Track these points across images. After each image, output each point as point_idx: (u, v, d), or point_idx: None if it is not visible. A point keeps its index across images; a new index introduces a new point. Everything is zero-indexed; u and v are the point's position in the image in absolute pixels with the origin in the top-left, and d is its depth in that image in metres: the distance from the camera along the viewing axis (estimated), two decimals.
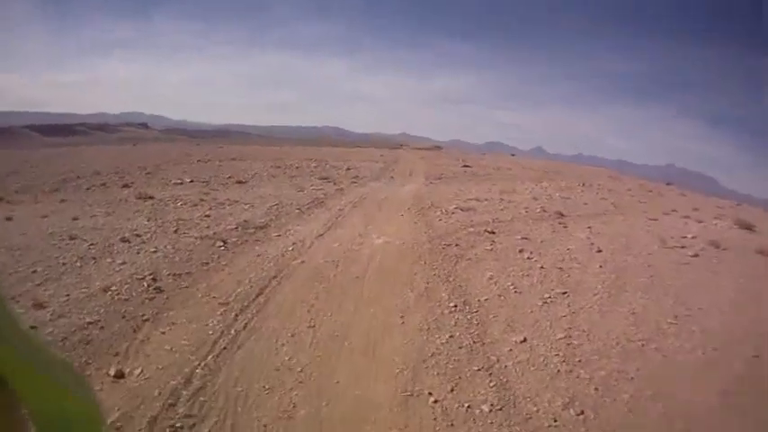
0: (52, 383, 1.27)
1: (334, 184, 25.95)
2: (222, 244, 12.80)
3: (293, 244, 13.31)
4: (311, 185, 24.54)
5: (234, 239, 13.38)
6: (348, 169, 32.97)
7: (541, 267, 12.20)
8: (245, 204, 18.46)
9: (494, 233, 15.42)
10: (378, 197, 22.01)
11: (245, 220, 15.54)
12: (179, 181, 24.35)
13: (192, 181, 24.53)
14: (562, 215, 19.15)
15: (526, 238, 15.03)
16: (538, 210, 19.83)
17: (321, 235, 14.48)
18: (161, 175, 26.53)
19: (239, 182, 25.00)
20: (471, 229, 15.73)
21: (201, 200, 18.95)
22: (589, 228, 17.00)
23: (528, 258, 12.96)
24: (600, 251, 13.82)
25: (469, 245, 13.97)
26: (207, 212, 16.63)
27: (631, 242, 15.08)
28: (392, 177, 30.71)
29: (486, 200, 21.89)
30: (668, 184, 40.81)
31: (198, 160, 33.62)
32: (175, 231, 13.77)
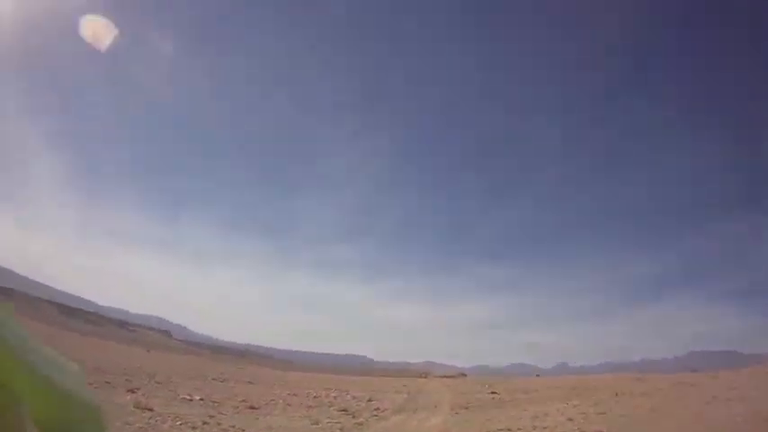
0: (52, 384, 1.27)
1: (354, 417, 23.29)
2: None
3: None
4: (328, 419, 21.88)
5: None
6: (370, 401, 30.43)
7: None
8: None
9: None
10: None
11: None
12: (188, 397, 21.99)
13: (201, 399, 22.11)
14: None
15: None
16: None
17: None
18: (171, 386, 24.56)
19: (252, 407, 22.51)
20: None
21: (204, 423, 16.33)
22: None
23: None
24: None
25: None
26: None
27: None
28: (415, 410, 27.84)
29: (518, 429, 19.39)
30: (693, 371, 38.30)
31: (213, 378, 31.77)
32: None
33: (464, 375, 78.04)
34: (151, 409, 16.51)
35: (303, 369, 64.37)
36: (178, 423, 15.50)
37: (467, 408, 28.53)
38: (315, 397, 30.02)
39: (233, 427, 16.74)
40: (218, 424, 16.74)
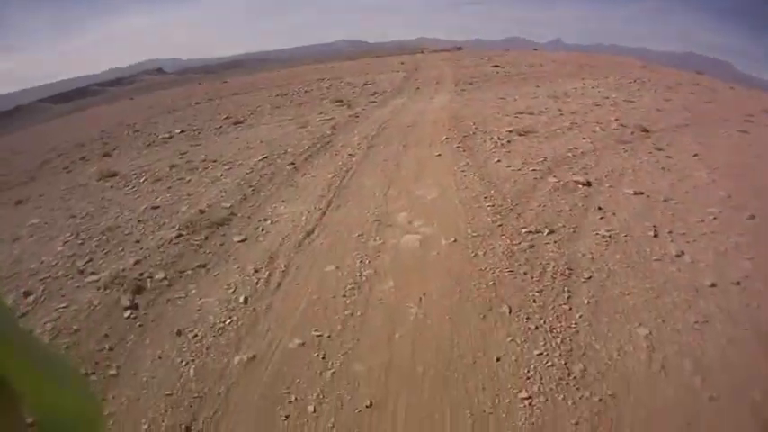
0: (52, 383, 1.19)
1: (349, 107, 19.79)
2: (130, 303, 6.30)
3: (255, 273, 6.93)
4: (319, 115, 18.38)
5: (159, 278, 6.97)
6: (365, 85, 26.39)
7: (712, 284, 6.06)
8: (223, 167, 12.37)
9: (589, 185, 9.31)
10: (402, 122, 15.71)
11: (201, 210, 9.32)
12: (167, 135, 18.47)
13: (182, 131, 18.71)
14: (646, 131, 13.18)
15: (642, 193, 8.90)
16: (614, 125, 13.75)
17: (310, 232, 8.06)
18: (150, 129, 20.80)
19: (236, 122, 19.17)
20: (553, 181, 9.53)
21: (172, 167, 12.88)
22: (696, 156, 11.18)
23: (680, 257, 6.76)
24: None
25: (570, 227, 7.70)
26: (158, 200, 10.41)
27: None
28: (417, 89, 24.05)
29: (540, 112, 15.78)
30: (699, 72, 34.06)
31: (196, 102, 27.65)
32: (80, 273, 7.39)
33: (459, 49, 73.23)
34: (115, 174, 12.98)
35: (296, 64, 59.10)
36: (142, 181, 12.08)
37: (471, 83, 24.57)
38: (306, 92, 26.02)
39: (205, 159, 13.26)
40: (189, 162, 13.22)
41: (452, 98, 19.97)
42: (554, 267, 6.44)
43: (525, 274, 6.31)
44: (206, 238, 8.10)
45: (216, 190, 10.48)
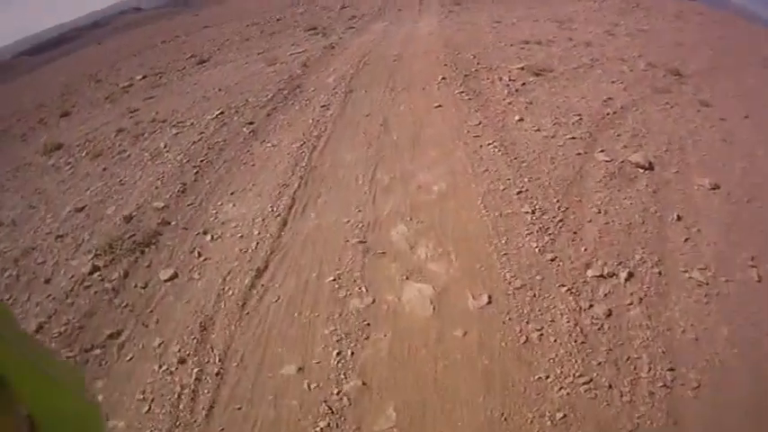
0: (52, 383, 1.07)
1: (324, 35, 16.70)
2: None
3: (179, 365, 4.27)
4: (291, 47, 15.41)
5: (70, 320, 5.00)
6: (343, 8, 22.86)
7: None
8: (172, 130, 9.82)
9: (652, 168, 6.58)
10: (386, 53, 12.67)
11: (127, 217, 6.78)
12: (128, 83, 16.20)
13: (143, 77, 16.41)
14: (679, 74, 10.37)
15: (718, 187, 6.19)
16: (641, 64, 10.82)
17: (262, 272, 5.17)
18: (112, 78, 18.35)
19: (201, 61, 16.70)
20: (604, 160, 6.69)
21: (119, 132, 10.56)
22: (747, 118, 8.53)
23: None
24: None
25: (651, 261, 4.85)
26: (87, 194, 8.12)
27: None
28: (400, 10, 20.61)
29: (549, 42, 12.68)
30: None
31: (162, 41, 24.41)
32: None
33: None
34: (59, 147, 10.93)
35: None
36: (83, 155, 10.03)
37: (459, 3, 20.94)
38: (278, 19, 22.66)
39: (155, 118, 10.81)
40: (138, 124, 10.87)
41: (441, 21, 16.91)
42: (650, 369, 3.73)
43: (610, 388, 3.58)
44: (125, 274, 5.58)
45: (152, 175, 8.04)
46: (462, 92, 9.06)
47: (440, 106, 8.54)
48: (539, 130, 7.42)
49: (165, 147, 8.93)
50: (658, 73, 10.32)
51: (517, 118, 7.83)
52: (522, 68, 10.14)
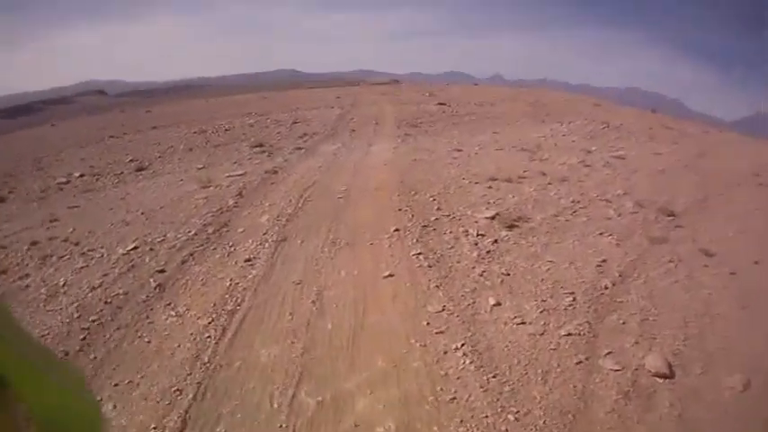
0: (52, 383, 1.07)
1: (269, 155, 15.00)
2: None
3: None
4: (232, 165, 13.85)
5: None
6: (295, 123, 21.13)
7: None
8: (78, 260, 7.86)
9: (671, 377, 4.78)
10: (333, 187, 10.79)
11: None
12: (65, 179, 14.66)
13: (81, 176, 14.87)
14: (672, 213, 9.05)
15: (749, 387, 4.64)
16: (628, 204, 9.44)
17: None
18: (53, 170, 16.43)
19: (139, 168, 15.14)
20: (616, 379, 4.72)
21: (31, 245, 8.77)
22: (757, 263, 7.32)
23: None
24: None
25: None
26: None
27: None
28: (353, 131, 19.00)
29: (520, 178, 11.08)
30: (654, 111, 31.20)
31: (110, 136, 22.33)
32: None
33: (397, 82, 68.91)
34: None
35: (232, 92, 53.80)
36: None
37: (416, 125, 19.74)
38: (226, 129, 20.94)
39: (66, 240, 8.87)
40: (50, 240, 9.08)
41: (396, 146, 15.33)
42: None
43: None
44: None
45: (37, 328, 6.09)
46: (420, 253, 7.14)
47: (391, 276, 6.54)
48: (522, 322, 5.45)
49: (64, 285, 6.94)
50: (649, 215, 9.04)
51: (492, 302, 5.85)
52: (493, 218, 8.41)
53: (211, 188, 11.24)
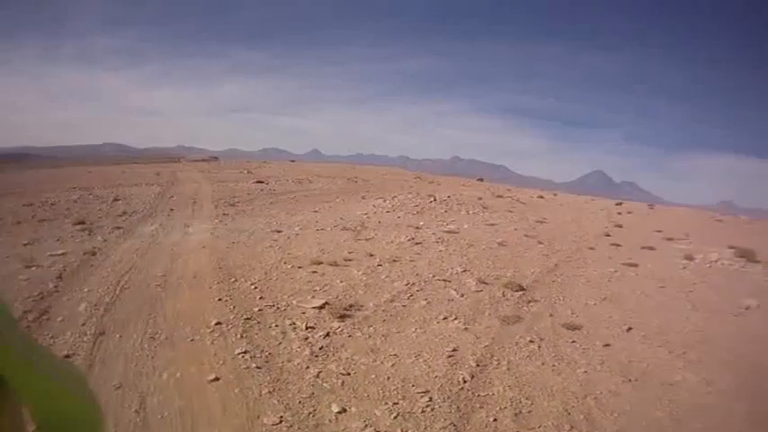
0: (52, 383, 1.12)
1: (90, 233, 13.85)
2: None
3: None
4: (53, 245, 12.44)
5: None
6: (116, 200, 19.89)
7: None
8: None
9: None
10: (150, 276, 9.57)
11: None
12: None
13: None
14: (521, 288, 8.79)
15: None
16: (473, 284, 8.97)
17: None
18: None
19: None
20: None
21: None
22: (630, 329, 7.48)
23: None
24: None
25: None
26: None
27: None
28: (172, 210, 18.06)
29: (346, 260, 10.59)
30: (480, 180, 32.07)
31: None
32: None
33: (216, 159, 69.46)
34: None
35: (59, 164, 51.68)
36: None
37: (234, 204, 19.32)
38: (52, 204, 19.12)
39: None
40: None
41: (214, 227, 14.61)
42: None
43: None
44: None
45: None
46: (245, 351, 6.17)
47: (217, 380, 5.50)
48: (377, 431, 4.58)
49: None
50: (495, 292, 8.68)
51: (336, 409, 4.92)
52: (321, 307, 7.62)
53: (33, 268, 9.92)
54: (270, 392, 5.22)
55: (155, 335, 6.72)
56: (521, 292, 8.36)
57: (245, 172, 32.07)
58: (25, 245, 12.45)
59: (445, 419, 4.72)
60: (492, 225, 13.73)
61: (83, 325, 7.07)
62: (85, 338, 6.64)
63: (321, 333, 6.72)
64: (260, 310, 7.56)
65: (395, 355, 6.09)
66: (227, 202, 19.52)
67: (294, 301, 7.88)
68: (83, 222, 15.47)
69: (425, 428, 4.58)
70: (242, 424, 4.67)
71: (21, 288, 8.69)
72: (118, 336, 6.73)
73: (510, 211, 16.35)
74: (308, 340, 6.52)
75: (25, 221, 15.88)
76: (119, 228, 14.59)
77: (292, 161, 57.55)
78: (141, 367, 5.83)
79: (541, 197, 21.74)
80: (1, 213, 17.25)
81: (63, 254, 11.26)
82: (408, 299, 8.07)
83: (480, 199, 19.22)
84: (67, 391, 1.13)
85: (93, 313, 7.51)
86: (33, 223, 15.65)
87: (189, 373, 5.66)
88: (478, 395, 5.17)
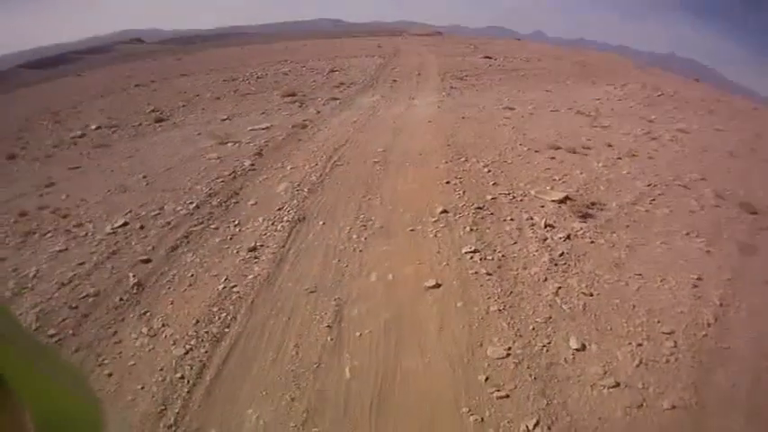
0: (52, 383, 0.96)
1: (301, 105, 13.51)
2: None
3: None
4: (257, 119, 12.25)
5: None
6: (332, 71, 19.59)
7: None
8: (61, 239, 6.38)
9: None
10: (367, 152, 9.00)
11: None
12: (80, 132, 13.57)
13: (97, 128, 13.83)
14: (755, 212, 7.12)
15: None
16: (708, 195, 7.54)
17: None
18: (70, 122, 15.19)
19: (159, 119, 14.00)
20: None
21: (21, 215, 7.35)
22: None
23: None
24: None
25: None
26: None
27: None
28: (395, 81, 17.41)
29: (585, 148, 9.30)
30: (696, 80, 28.93)
31: (136, 85, 20.89)
32: None
33: (440, 33, 67.26)
34: None
35: (271, 40, 52.38)
36: None
37: (462, 78, 18.11)
38: (258, 78, 19.37)
39: (55, 211, 7.45)
40: (40, 210, 7.58)
41: (441, 101, 13.66)
42: None
43: None
44: None
45: None
46: (474, 251, 5.40)
47: (437, 286, 4.81)
48: (616, 384, 3.69)
49: (34, 276, 5.46)
50: (731, 211, 7.14)
51: (574, 345, 4.06)
52: (562, 202, 6.72)
53: (228, 145, 9.85)
54: (500, 310, 4.49)
55: (367, 222, 6.23)
56: (754, 215, 6.98)
57: (472, 47, 30.73)
58: (223, 120, 12.60)
59: (687, 377, 3.78)
60: (718, 131, 11.97)
61: (279, 209, 6.76)
62: (279, 226, 6.29)
63: (561, 234, 5.92)
64: (493, 198, 6.85)
65: (640, 274, 5.13)
66: (455, 76, 18.65)
67: (532, 191, 7.10)
68: (293, 94, 15.32)
69: (667, 387, 3.68)
70: (459, 354, 3.97)
71: (209, 168, 8.60)
72: (321, 223, 6.34)
73: (733, 119, 14.42)
74: (547, 242, 5.75)
75: (225, 97, 16.16)
76: (335, 99, 14.39)
77: (518, 39, 55.28)
78: (345, 265, 5.32)
79: (756, 108, 19.05)
80: (197, 90, 17.69)
81: (267, 127, 11.12)
82: (650, 203, 7.02)
83: (703, 101, 17.18)
84: (67, 391, 0.99)
85: (295, 195, 7.20)
86: (234, 98, 15.86)
87: (403, 275, 5.05)
88: (720, 347, 4.14)
